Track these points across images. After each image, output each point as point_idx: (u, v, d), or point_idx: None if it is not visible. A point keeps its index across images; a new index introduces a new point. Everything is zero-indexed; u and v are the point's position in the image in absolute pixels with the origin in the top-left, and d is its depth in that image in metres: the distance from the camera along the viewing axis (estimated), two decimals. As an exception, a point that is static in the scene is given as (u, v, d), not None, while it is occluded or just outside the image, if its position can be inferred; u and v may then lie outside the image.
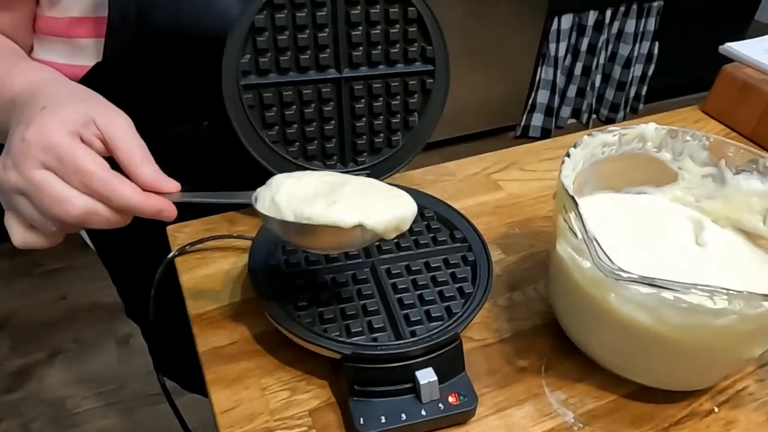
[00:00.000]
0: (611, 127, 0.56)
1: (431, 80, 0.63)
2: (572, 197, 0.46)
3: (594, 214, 0.54)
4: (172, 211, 0.43)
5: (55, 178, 0.40)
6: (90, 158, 0.40)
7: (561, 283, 0.52)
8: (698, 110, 0.92)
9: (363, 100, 0.62)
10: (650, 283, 0.40)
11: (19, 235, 0.43)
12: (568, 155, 0.51)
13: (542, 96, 2.48)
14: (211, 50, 0.57)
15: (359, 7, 0.58)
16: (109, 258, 0.84)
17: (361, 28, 0.59)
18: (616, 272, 0.41)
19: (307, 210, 0.43)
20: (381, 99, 0.62)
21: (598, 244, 0.43)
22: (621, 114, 2.65)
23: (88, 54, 0.61)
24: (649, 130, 0.56)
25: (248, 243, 0.64)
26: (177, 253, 0.62)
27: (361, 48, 0.60)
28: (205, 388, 0.52)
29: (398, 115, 0.64)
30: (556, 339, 0.56)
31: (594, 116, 2.68)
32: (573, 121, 2.66)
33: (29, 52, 0.63)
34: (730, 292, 0.39)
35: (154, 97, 0.63)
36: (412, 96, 0.63)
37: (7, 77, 0.51)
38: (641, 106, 2.71)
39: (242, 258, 0.63)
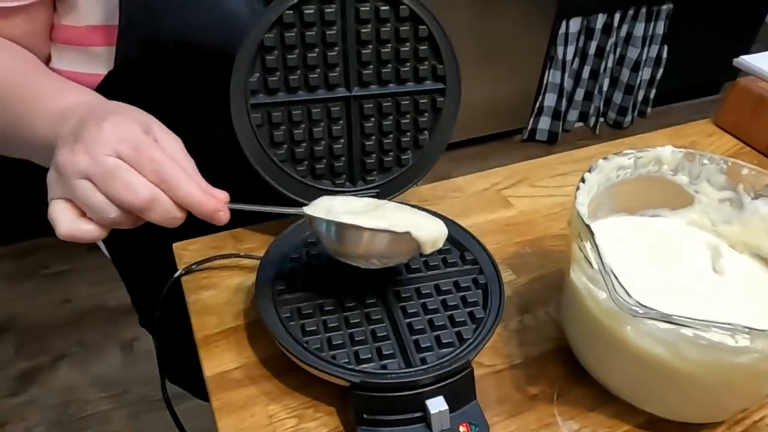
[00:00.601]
0: (627, 150, 0.54)
1: (442, 99, 0.62)
2: (588, 227, 0.45)
3: (608, 237, 0.53)
4: (226, 214, 0.46)
5: (127, 165, 0.42)
6: (161, 151, 0.44)
7: (575, 310, 0.51)
8: (711, 123, 0.90)
9: (373, 119, 0.61)
10: (669, 320, 0.39)
11: (67, 224, 0.43)
12: (583, 181, 0.50)
13: (549, 99, 2.47)
14: (219, 61, 0.57)
15: (370, 25, 0.57)
16: (125, 268, 0.84)
17: (371, 46, 0.58)
18: (634, 308, 0.40)
19: (363, 218, 0.49)
20: (391, 117, 0.61)
21: (616, 278, 0.41)
22: (629, 117, 2.63)
23: (101, 62, 0.61)
24: (665, 153, 0.55)
25: (255, 262, 0.63)
26: (183, 272, 0.62)
27: (371, 66, 0.59)
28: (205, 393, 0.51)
29: (408, 134, 0.62)
30: (568, 365, 0.55)
31: (601, 120, 2.66)
32: (580, 124, 2.65)
33: (47, 61, 0.63)
34: (753, 330, 0.38)
35: (166, 104, 0.63)
36: (423, 114, 0.62)
37: (48, 93, 0.52)
38: (649, 109, 2.69)
39: (249, 277, 0.62)
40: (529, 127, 2.53)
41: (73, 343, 1.72)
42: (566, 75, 2.40)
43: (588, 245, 0.44)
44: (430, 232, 0.50)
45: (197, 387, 0.93)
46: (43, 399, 1.58)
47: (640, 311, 0.40)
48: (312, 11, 0.55)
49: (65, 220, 0.43)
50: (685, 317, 0.39)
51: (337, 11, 0.56)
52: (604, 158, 0.53)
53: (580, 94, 2.52)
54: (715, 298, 0.50)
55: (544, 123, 2.52)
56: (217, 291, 0.61)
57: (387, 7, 0.57)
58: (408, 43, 0.59)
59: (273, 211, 0.49)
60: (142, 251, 0.78)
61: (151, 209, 0.42)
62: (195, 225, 0.48)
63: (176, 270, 0.63)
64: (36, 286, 1.87)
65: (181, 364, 0.83)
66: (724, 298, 0.50)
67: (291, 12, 0.54)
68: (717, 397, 0.46)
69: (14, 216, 1.91)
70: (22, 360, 1.67)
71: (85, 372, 1.65)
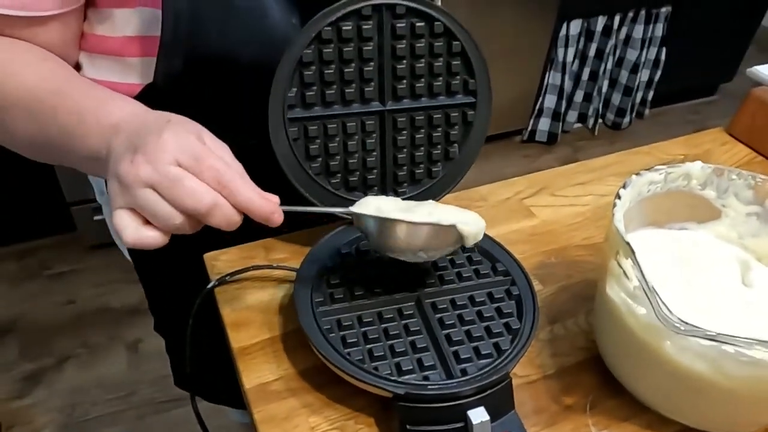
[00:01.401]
0: (657, 166, 0.56)
1: (473, 112, 0.63)
2: (628, 243, 0.46)
3: (639, 250, 0.54)
4: (280, 215, 0.48)
5: (189, 174, 0.44)
6: (219, 158, 0.46)
7: (610, 325, 0.52)
8: (724, 132, 0.92)
9: (405, 132, 0.62)
10: (712, 338, 0.41)
11: (133, 231, 0.45)
12: (618, 197, 0.51)
13: (549, 101, 2.48)
14: (256, 74, 0.57)
15: (405, 41, 0.58)
16: (146, 272, 0.84)
17: (405, 61, 0.59)
18: (677, 325, 0.42)
19: (410, 215, 0.53)
20: (423, 131, 0.62)
21: (659, 296, 0.43)
22: (627, 119, 2.65)
23: (136, 72, 0.61)
24: (695, 168, 0.56)
25: (287, 272, 0.64)
26: (216, 283, 0.62)
27: (404, 81, 0.59)
28: (232, 399, 0.52)
29: (439, 147, 0.63)
30: (600, 376, 0.56)
31: (600, 121, 2.68)
32: (579, 125, 2.67)
33: (76, 69, 0.63)
34: (795, 348, 0.39)
35: (202, 115, 0.63)
36: (453, 127, 0.63)
37: (96, 104, 0.52)
38: (647, 111, 2.72)
39: (281, 288, 0.63)
40: (529, 128, 2.54)
41: (77, 344, 1.71)
42: (566, 77, 2.42)
43: (629, 262, 0.45)
44: (473, 226, 0.54)
45: (213, 390, 0.94)
46: (49, 401, 1.58)
47: (683, 328, 0.42)
48: (350, 27, 0.56)
49: (131, 228, 0.45)
50: (728, 335, 0.41)
51: (374, 27, 0.56)
52: (637, 174, 0.54)
53: (579, 95, 2.53)
54: (747, 311, 0.51)
55: (544, 124, 2.53)
56: (251, 302, 0.62)
57: (422, 23, 0.57)
58: (441, 58, 0.60)
59: (322, 211, 0.53)
60: (167, 257, 0.79)
61: (213, 214, 0.44)
62: (221, 234, 0.49)
63: (200, 277, 0.64)
64: (38, 287, 1.86)
65: (197, 369, 0.84)
66: (755, 311, 0.51)
67: (329, 28, 0.55)
68: (751, 410, 0.48)
69: (15, 216, 1.90)
70: (27, 362, 1.67)
71: (91, 374, 1.65)
